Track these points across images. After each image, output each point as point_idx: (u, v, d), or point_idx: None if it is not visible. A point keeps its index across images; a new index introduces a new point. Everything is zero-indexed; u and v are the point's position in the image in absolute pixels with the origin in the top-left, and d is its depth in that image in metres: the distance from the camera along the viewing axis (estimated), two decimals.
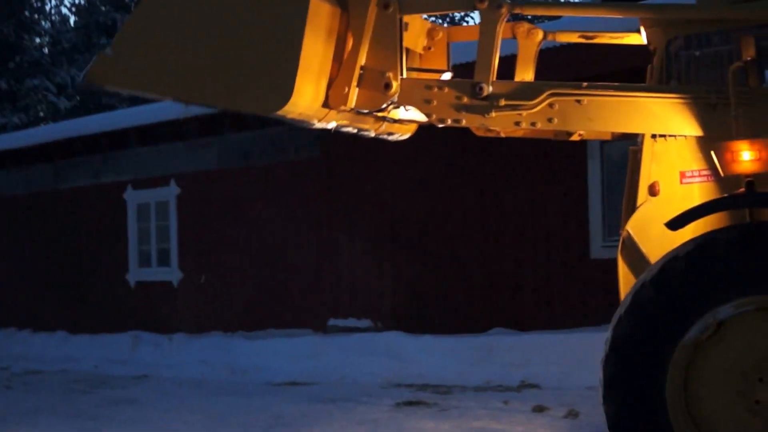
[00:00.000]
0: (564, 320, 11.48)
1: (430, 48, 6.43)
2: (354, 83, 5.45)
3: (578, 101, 5.47)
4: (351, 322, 13.35)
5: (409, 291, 13.06)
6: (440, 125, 5.81)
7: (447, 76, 6.12)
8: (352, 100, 5.49)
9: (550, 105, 5.51)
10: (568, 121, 5.57)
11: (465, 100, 5.60)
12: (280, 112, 5.23)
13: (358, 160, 13.60)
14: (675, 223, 5.10)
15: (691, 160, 5.52)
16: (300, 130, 14.09)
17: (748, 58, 5.33)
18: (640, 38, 6.26)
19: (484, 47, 5.55)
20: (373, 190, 13.49)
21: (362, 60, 5.48)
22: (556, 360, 10.05)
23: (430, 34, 6.42)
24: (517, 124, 5.64)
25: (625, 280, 5.73)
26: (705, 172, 5.47)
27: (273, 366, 12.08)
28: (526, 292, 12.14)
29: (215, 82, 5.23)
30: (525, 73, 6.44)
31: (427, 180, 12.95)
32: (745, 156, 5.11)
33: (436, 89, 5.66)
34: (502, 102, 5.54)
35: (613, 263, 11.28)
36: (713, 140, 5.33)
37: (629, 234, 5.57)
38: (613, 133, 6.32)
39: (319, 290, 14.00)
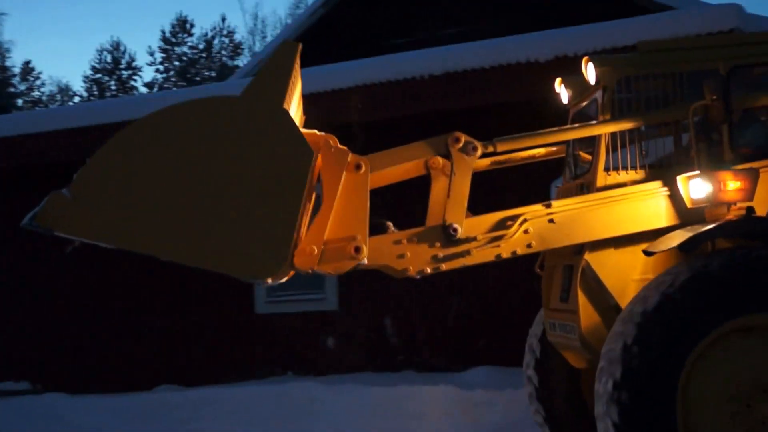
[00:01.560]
0: (230, 374, 11.75)
1: None
2: (322, 246, 5.11)
3: (551, 221, 5.56)
4: (8, 385, 12.62)
5: (71, 350, 12.65)
6: (419, 277, 5.54)
7: (390, 225, 5.72)
8: (318, 263, 5.13)
9: (525, 231, 5.53)
10: (546, 242, 5.59)
11: (439, 245, 5.45)
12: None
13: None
14: (687, 245, 5.29)
15: None
16: None
17: (713, 98, 5.72)
18: (545, 152, 6.63)
19: (457, 187, 5.47)
20: (39, 249, 12.97)
21: (332, 222, 5.17)
22: (223, 415, 10.22)
23: None
24: (498, 256, 5.55)
25: (584, 308, 5.79)
26: None
27: None
28: (193, 348, 12.27)
29: (192, 238, 4.56)
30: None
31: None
32: (731, 186, 5.48)
33: (405, 242, 5.45)
34: (480, 238, 5.50)
35: (277, 318, 11.89)
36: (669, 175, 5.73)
37: (588, 263, 5.72)
38: None
39: None
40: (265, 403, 10.10)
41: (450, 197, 5.48)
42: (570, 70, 9.95)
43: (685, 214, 5.70)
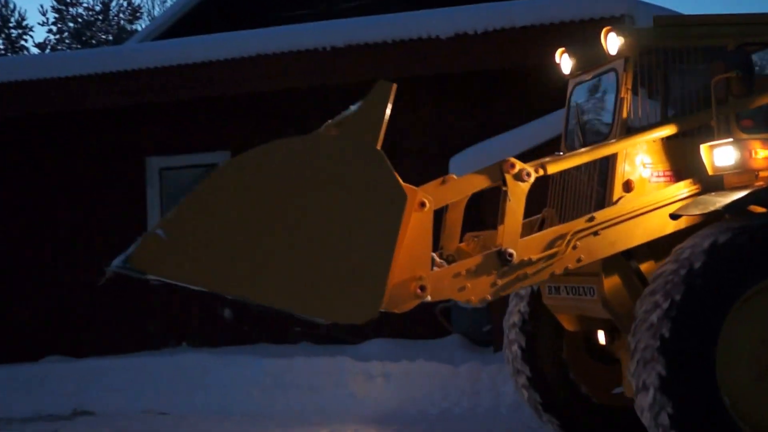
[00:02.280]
0: (122, 345, 11.56)
1: None
2: (391, 286, 5.06)
3: (596, 233, 5.72)
4: None
5: None
6: (481, 305, 5.65)
7: (436, 256, 5.72)
8: (385, 302, 5.08)
9: (574, 247, 5.67)
10: (594, 253, 5.75)
11: (496, 272, 5.51)
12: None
13: None
14: (731, 208, 5.51)
15: (657, 162, 6.07)
16: None
17: (738, 72, 5.94)
18: None
19: (512, 213, 5.54)
20: None
21: (399, 262, 5.11)
22: (112, 385, 10.06)
23: None
24: (552, 274, 5.68)
25: (608, 271, 6.02)
26: (668, 173, 6.06)
27: None
28: (85, 318, 12.02)
29: (287, 283, 4.46)
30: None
31: None
32: (761, 154, 5.80)
33: (464, 273, 5.47)
34: (534, 259, 5.59)
35: (172, 289, 11.69)
36: (685, 144, 6.05)
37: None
38: None
39: None
40: (157, 374, 10.00)
41: (505, 223, 5.55)
42: (469, 47, 10.14)
43: (705, 182, 5.96)
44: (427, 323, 10.37)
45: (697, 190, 5.96)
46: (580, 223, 5.75)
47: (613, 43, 6.15)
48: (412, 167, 10.62)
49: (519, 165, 5.56)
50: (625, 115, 6.14)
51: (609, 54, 6.19)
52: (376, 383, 9.02)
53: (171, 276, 4.43)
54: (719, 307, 5.27)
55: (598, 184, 6.14)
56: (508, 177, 5.54)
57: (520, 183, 5.56)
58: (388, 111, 4.77)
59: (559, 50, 6.85)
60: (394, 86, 4.83)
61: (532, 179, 5.59)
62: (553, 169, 5.86)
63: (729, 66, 6.06)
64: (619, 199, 5.94)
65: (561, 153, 6.78)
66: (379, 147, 4.67)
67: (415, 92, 11.03)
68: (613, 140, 6.11)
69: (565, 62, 6.83)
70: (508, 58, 10.24)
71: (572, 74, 6.86)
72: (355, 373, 9.14)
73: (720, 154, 5.89)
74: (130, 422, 8.82)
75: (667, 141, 6.12)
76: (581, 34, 9.58)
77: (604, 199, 6.05)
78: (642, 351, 5.27)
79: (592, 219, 5.76)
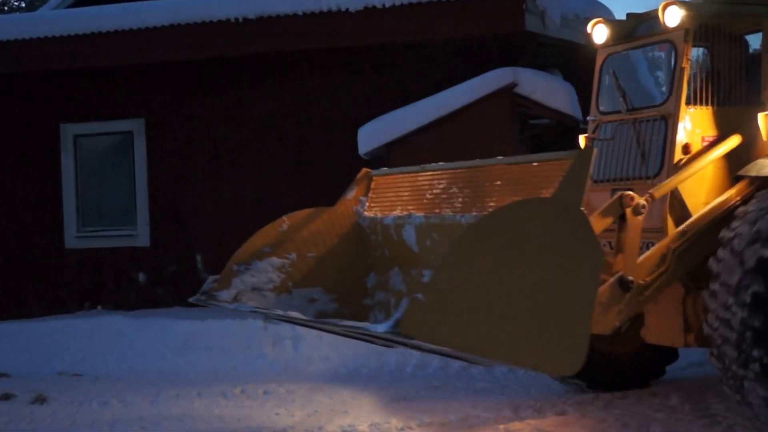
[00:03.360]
0: (37, 309, 11.68)
1: None
2: None
3: (691, 243, 6.10)
4: None
5: None
6: (611, 332, 5.92)
7: None
8: None
9: (674, 262, 6.06)
10: (686, 263, 6.13)
11: (619, 300, 5.77)
12: None
13: None
14: None
15: (708, 128, 6.46)
16: None
17: None
18: None
19: (630, 243, 5.82)
20: None
21: None
22: (26, 348, 10.20)
23: None
24: (662, 288, 6.02)
25: (671, 227, 6.30)
26: (718, 139, 6.42)
27: None
28: None
29: (513, 341, 4.66)
30: None
31: None
32: None
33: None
34: (649, 281, 5.91)
35: (87, 253, 11.84)
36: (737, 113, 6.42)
37: (677, 189, 6.24)
38: None
39: None
40: (72, 337, 10.16)
41: (624, 252, 5.87)
42: (378, 20, 10.40)
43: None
44: None
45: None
46: (676, 235, 6.16)
47: (674, 15, 6.40)
48: (322, 137, 11.01)
49: (637, 198, 5.84)
50: (684, 84, 6.44)
51: (666, 26, 6.46)
52: (287, 345, 9.34)
53: (428, 337, 4.56)
54: None
55: (653, 149, 6.51)
56: (628, 211, 5.84)
57: (638, 216, 5.88)
58: (589, 174, 5.11)
59: (593, 21, 7.11)
60: (595, 150, 5.24)
61: (646, 211, 5.90)
62: (659, 193, 6.13)
63: None
64: (680, 161, 6.35)
65: (594, 117, 7.10)
66: (582, 208, 5.00)
67: (326, 63, 11.32)
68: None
69: (598, 32, 7.06)
70: (418, 32, 10.54)
71: (605, 44, 7.10)
72: (266, 336, 9.44)
73: None
74: (45, 383, 8.97)
75: (716, 109, 6.52)
76: (496, 9, 10.02)
77: (663, 162, 6.42)
78: (731, 304, 5.59)
79: (684, 234, 6.16)
